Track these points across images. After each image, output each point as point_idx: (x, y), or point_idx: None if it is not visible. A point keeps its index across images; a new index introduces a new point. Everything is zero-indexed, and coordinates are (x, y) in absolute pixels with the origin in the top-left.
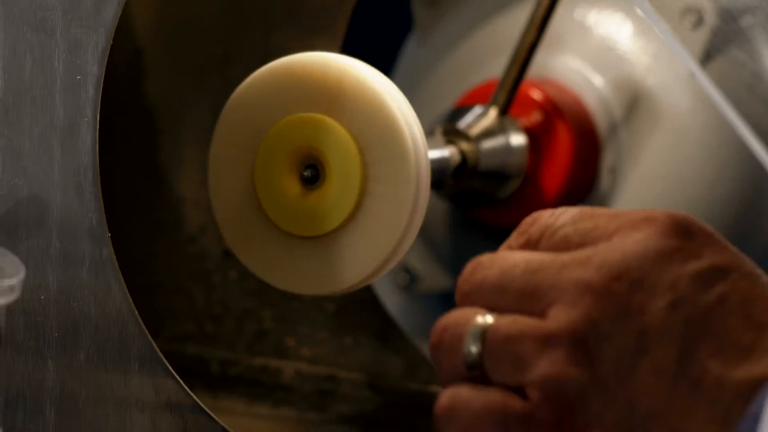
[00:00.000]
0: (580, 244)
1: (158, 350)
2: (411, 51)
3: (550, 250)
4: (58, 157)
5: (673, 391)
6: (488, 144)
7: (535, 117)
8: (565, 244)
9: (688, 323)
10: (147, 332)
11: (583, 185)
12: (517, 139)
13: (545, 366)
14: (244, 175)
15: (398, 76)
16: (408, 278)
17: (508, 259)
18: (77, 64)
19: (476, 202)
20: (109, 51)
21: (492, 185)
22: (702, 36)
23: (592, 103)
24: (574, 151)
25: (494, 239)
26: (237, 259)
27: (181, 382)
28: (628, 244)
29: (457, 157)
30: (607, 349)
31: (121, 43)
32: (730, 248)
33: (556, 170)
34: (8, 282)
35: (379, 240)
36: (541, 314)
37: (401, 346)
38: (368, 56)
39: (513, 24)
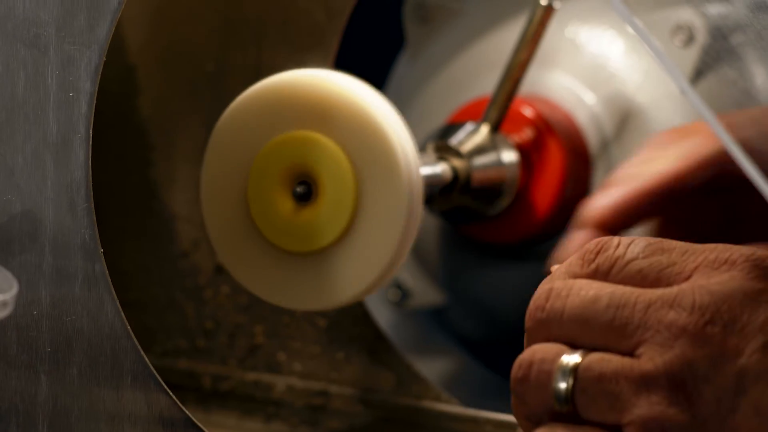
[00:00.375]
0: (657, 280)
1: (150, 365)
2: (403, 68)
3: (622, 283)
4: (51, 173)
5: None
6: (480, 161)
7: (527, 134)
8: (640, 279)
9: None
10: (139, 347)
11: (575, 202)
12: (509, 156)
13: (645, 407)
14: (237, 191)
15: (390, 93)
16: (400, 294)
17: (588, 290)
18: (70, 81)
19: (468, 219)
20: (102, 68)
21: (483, 202)
22: (693, 54)
23: (583, 120)
24: (565, 167)
25: (485, 255)
26: (229, 274)
27: (173, 396)
28: (714, 285)
29: (448, 174)
30: (705, 390)
31: (114, 59)
32: None
33: (548, 187)
34: (1, 297)
35: (372, 256)
36: (629, 352)
37: (393, 362)
38: (360, 73)
39: (505, 41)
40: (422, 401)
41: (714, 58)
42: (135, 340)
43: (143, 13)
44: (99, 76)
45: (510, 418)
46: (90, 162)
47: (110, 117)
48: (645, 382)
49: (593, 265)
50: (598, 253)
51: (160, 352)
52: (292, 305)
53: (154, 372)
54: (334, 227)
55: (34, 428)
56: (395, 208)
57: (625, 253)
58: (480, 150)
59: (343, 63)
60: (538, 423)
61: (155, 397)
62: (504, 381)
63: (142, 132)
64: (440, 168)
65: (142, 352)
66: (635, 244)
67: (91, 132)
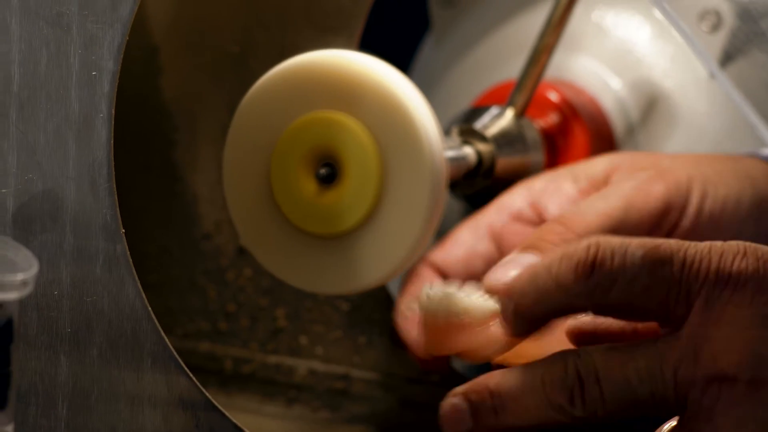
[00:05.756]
0: (664, 301)
1: (171, 347)
2: (428, 51)
3: (626, 300)
4: (73, 153)
5: None
6: (504, 145)
7: (552, 118)
8: (646, 298)
9: None
10: (160, 329)
11: None
12: (534, 141)
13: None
14: (260, 172)
15: (415, 76)
16: None
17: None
18: (93, 60)
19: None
20: (125, 47)
21: (507, 186)
22: (721, 38)
23: (608, 105)
24: (590, 152)
25: None
26: (252, 256)
27: (193, 379)
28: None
29: (473, 158)
30: None
31: (137, 39)
32: None
33: None
34: (21, 276)
35: (396, 240)
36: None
37: None
38: (385, 56)
39: (530, 25)
40: (444, 385)
41: (743, 41)
42: (156, 321)
43: None
44: (122, 56)
45: None
46: (112, 142)
47: (133, 97)
48: None
49: (592, 281)
50: (593, 266)
51: (182, 334)
52: (314, 289)
53: (175, 354)
54: (357, 210)
55: (54, 409)
56: (419, 191)
57: (624, 267)
58: (505, 134)
59: (368, 46)
60: None
61: (175, 379)
62: None
63: (166, 113)
64: (464, 152)
65: (163, 334)
66: (632, 254)
67: (113, 111)
